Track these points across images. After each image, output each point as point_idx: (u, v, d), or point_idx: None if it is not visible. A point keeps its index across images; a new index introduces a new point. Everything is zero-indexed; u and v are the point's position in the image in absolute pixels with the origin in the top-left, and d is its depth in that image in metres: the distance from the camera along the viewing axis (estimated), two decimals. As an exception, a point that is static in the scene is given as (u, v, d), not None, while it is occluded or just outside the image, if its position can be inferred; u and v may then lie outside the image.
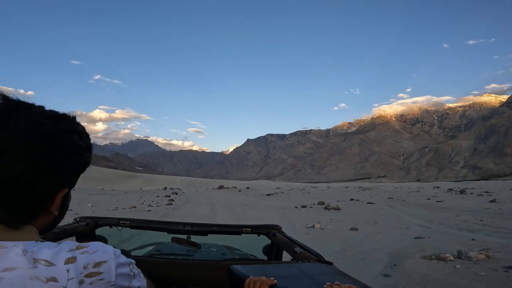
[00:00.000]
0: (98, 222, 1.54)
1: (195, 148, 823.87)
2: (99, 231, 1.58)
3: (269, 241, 1.60)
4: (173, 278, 1.08)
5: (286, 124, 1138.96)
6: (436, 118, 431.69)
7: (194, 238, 1.52)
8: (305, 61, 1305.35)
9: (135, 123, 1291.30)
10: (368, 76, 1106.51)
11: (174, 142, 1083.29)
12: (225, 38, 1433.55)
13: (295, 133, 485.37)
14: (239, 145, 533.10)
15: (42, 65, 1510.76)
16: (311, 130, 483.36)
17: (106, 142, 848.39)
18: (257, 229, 1.59)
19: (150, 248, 1.85)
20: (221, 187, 32.62)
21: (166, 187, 30.50)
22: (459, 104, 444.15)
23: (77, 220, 1.50)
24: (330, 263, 0.97)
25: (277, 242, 1.49)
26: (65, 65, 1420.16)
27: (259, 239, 1.62)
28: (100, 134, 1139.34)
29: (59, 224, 0.54)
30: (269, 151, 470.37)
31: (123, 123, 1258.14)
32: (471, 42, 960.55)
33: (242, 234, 1.59)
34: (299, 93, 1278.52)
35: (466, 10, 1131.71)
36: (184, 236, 1.50)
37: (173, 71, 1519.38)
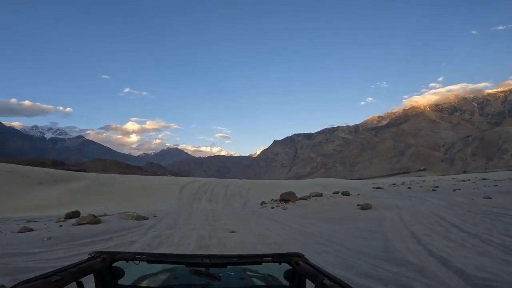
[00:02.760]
0: (115, 256, 1.50)
1: (223, 153, 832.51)
2: (115, 265, 1.55)
3: (290, 267, 1.56)
4: None
5: (312, 123, 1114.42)
6: (476, 105, 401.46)
7: (213, 270, 1.50)
8: (327, 59, 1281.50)
9: (165, 133, 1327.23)
10: (395, 68, 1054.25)
11: (203, 148, 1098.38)
12: (246, 43, 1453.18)
13: (323, 131, 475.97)
14: (266, 147, 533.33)
15: (75, 81, 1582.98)
16: (338, 126, 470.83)
17: (140, 152, 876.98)
18: (278, 258, 1.53)
19: (165, 276, 1.81)
20: (286, 199, 15.84)
21: (104, 215, 12.02)
22: (499, 90, 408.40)
23: (93, 255, 1.45)
24: None
25: (300, 271, 1.44)
26: (95, 80, 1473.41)
27: (279, 264, 1.57)
28: (134, 146, 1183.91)
29: (74, 262, 0.47)
30: (297, 151, 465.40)
31: (153, 133, 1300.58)
32: (500, 27, 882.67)
33: (263, 264, 1.54)
34: (323, 91, 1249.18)
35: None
36: (202, 268, 1.47)
37: (197, 80, 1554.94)
